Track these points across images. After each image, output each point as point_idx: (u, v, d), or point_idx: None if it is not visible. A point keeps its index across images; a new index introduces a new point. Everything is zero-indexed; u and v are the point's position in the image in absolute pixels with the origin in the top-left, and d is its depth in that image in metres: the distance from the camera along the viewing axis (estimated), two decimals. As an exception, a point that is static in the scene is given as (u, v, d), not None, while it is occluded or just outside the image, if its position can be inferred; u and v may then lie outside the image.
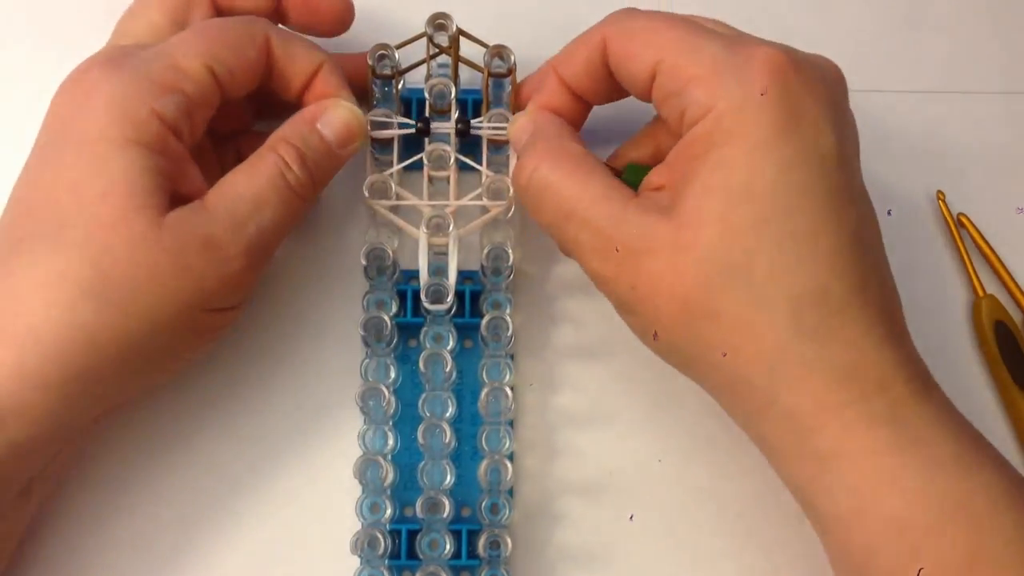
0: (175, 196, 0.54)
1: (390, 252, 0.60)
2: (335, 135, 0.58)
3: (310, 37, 0.62)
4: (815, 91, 0.53)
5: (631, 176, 0.57)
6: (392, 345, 0.60)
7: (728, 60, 0.53)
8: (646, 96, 0.57)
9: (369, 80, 0.62)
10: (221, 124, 0.61)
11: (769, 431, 0.53)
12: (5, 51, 0.70)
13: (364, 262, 0.60)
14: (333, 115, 0.59)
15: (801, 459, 0.52)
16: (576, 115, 0.61)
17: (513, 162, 0.61)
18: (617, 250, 0.53)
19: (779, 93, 0.52)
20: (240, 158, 0.58)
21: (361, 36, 0.65)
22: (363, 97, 0.62)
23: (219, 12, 0.60)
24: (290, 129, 0.58)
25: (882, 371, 0.51)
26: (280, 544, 0.61)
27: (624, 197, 0.54)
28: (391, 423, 0.60)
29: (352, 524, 0.59)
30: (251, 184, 0.55)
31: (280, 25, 0.62)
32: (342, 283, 0.64)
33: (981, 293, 0.65)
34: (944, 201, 0.67)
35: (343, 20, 0.62)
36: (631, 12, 0.58)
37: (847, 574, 0.53)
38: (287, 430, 0.63)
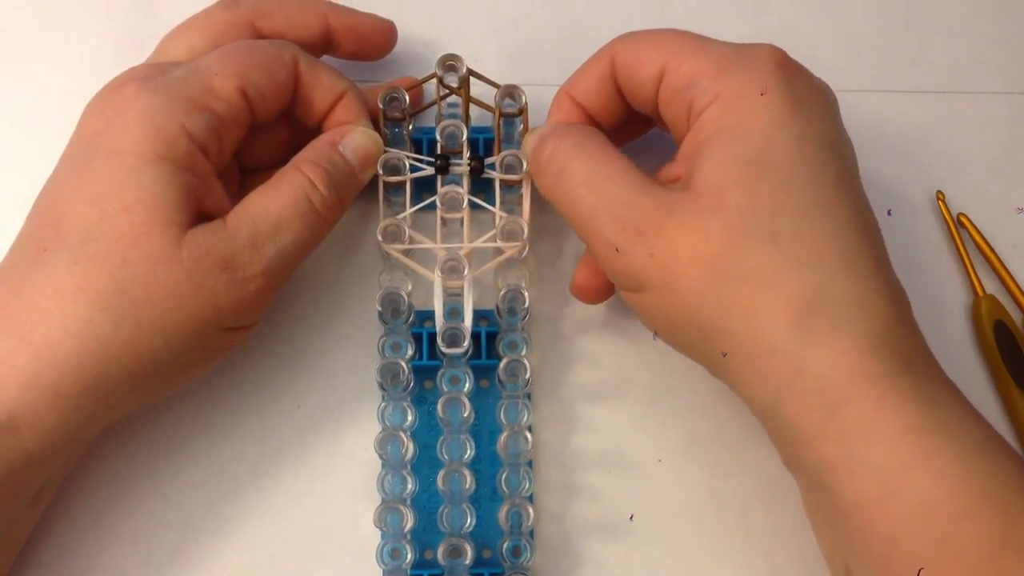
0: (199, 213, 0.55)
1: (405, 296, 0.60)
2: (356, 158, 0.59)
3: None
4: (816, 88, 0.56)
5: None
6: (408, 389, 0.60)
7: (733, 55, 0.56)
8: (652, 104, 0.58)
9: (380, 123, 0.62)
10: (253, 157, 0.62)
11: (793, 409, 0.51)
12: (6, 50, 0.70)
13: (379, 307, 0.60)
14: (353, 139, 0.60)
15: (825, 439, 0.50)
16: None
17: (527, 205, 0.62)
18: (638, 217, 0.54)
19: (785, 82, 0.54)
20: None
21: (371, 70, 0.66)
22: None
23: (262, 38, 0.61)
24: (314, 151, 0.59)
25: (908, 346, 0.51)
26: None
27: (644, 175, 0.55)
28: (409, 467, 0.60)
29: (372, 569, 0.59)
30: (274, 204, 0.56)
31: (327, 54, 0.63)
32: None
33: (981, 293, 0.66)
34: (944, 201, 0.68)
35: (388, 44, 0.65)
36: (637, 31, 0.60)
37: (865, 565, 0.50)
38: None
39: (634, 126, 0.63)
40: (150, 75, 0.56)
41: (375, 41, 0.64)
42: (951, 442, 0.49)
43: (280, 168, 0.58)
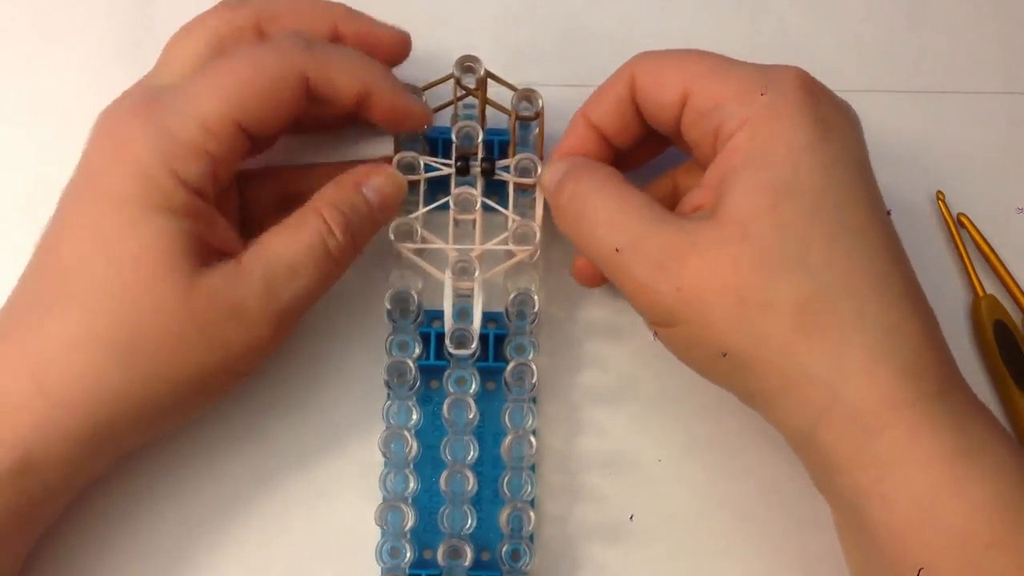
0: (207, 253, 0.55)
1: (415, 296, 0.60)
2: (378, 200, 0.59)
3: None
4: (842, 111, 0.55)
5: None
6: (415, 388, 0.60)
7: (760, 78, 0.55)
8: (673, 125, 0.58)
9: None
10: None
11: (828, 437, 0.51)
12: (6, 50, 0.70)
13: (388, 306, 0.60)
14: (378, 181, 0.59)
15: (860, 466, 0.50)
16: (602, 160, 0.61)
17: (539, 209, 0.62)
18: (661, 252, 0.53)
19: (812, 104, 0.54)
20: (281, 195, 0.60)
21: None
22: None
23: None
24: (337, 193, 0.58)
25: (941, 370, 0.51)
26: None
27: (664, 209, 0.55)
28: (412, 466, 0.60)
29: (371, 567, 0.59)
30: (290, 249, 0.55)
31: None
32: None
33: (981, 293, 0.66)
34: (944, 201, 0.68)
35: (400, 55, 0.62)
36: (657, 51, 0.59)
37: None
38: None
39: (651, 146, 0.63)
40: (147, 111, 0.54)
41: (387, 51, 0.61)
42: (985, 469, 0.49)
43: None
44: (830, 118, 0.54)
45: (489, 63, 0.63)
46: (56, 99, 0.69)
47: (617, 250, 0.54)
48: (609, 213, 0.56)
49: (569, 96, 0.68)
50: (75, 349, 0.52)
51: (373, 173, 0.59)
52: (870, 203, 0.53)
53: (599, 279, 0.62)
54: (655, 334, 0.53)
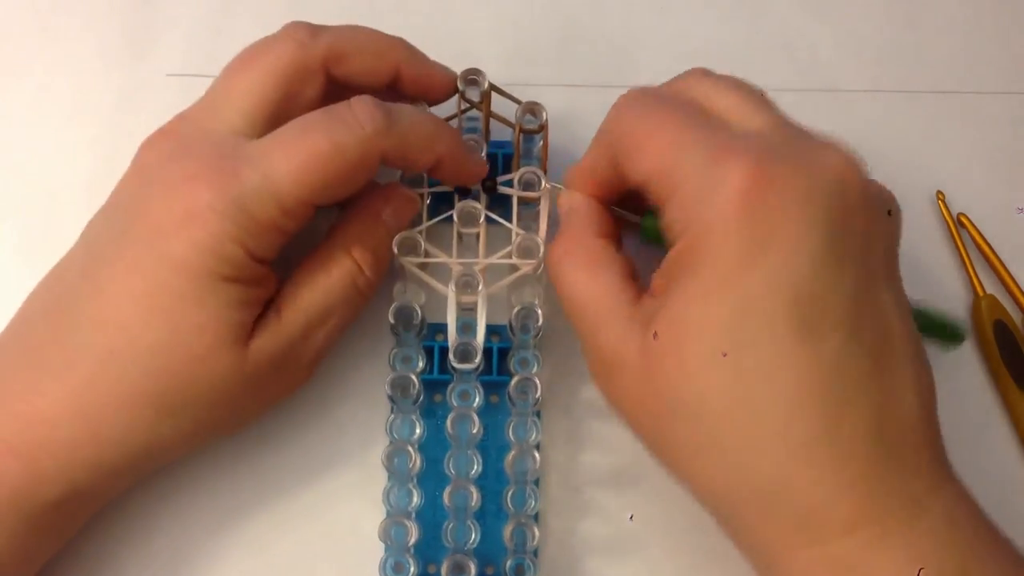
0: (261, 309, 0.56)
1: (418, 310, 0.60)
2: (398, 223, 0.60)
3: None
4: (793, 212, 0.48)
5: (648, 224, 0.57)
6: (418, 402, 0.60)
7: (705, 177, 0.49)
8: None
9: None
10: None
11: (740, 547, 0.53)
12: (6, 50, 0.70)
13: (392, 320, 0.60)
14: (395, 204, 0.60)
15: (795, 559, 0.49)
16: (611, 194, 0.59)
17: (543, 222, 0.62)
18: (604, 353, 0.54)
19: (747, 219, 0.48)
20: None
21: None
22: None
23: (332, 82, 0.58)
24: (362, 228, 0.59)
25: (847, 514, 0.48)
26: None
27: (621, 302, 0.54)
28: (415, 480, 0.60)
29: None
30: (323, 293, 0.57)
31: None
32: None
33: (981, 293, 0.66)
34: (944, 201, 0.68)
35: (448, 95, 0.63)
36: (631, 104, 0.56)
37: None
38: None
39: None
40: (227, 181, 0.53)
41: (437, 93, 0.62)
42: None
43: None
44: (769, 231, 0.48)
45: (489, 63, 0.63)
46: (56, 99, 0.69)
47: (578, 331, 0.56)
48: (578, 299, 0.56)
49: (569, 96, 0.68)
50: (131, 406, 0.54)
51: (389, 197, 0.60)
52: (794, 337, 0.48)
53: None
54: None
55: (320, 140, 0.53)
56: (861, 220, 0.50)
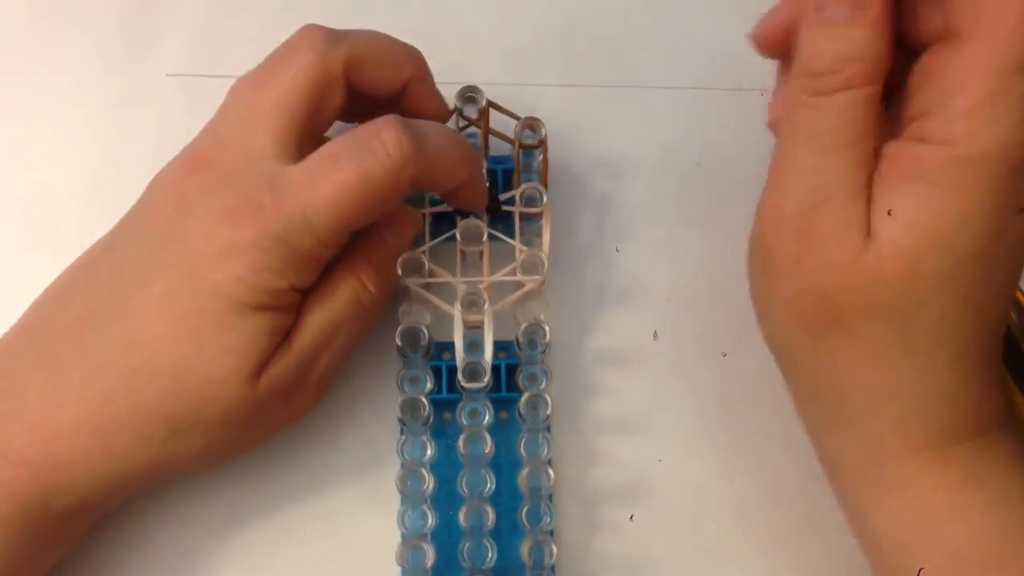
0: (286, 335, 0.56)
1: (425, 331, 0.60)
2: (400, 241, 0.60)
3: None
4: None
5: None
6: (428, 423, 0.60)
7: (1018, 101, 0.45)
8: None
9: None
10: None
11: (842, 447, 0.52)
12: (6, 50, 0.69)
13: (399, 342, 0.60)
14: (394, 220, 0.59)
15: (867, 482, 0.51)
16: None
17: (547, 237, 0.62)
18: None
19: None
20: None
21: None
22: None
23: (350, 90, 0.58)
24: (366, 250, 0.59)
25: (975, 426, 0.50)
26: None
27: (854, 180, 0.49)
28: (429, 501, 0.60)
29: None
30: (329, 315, 0.57)
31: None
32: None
33: (982, 292, 0.66)
34: (944, 201, 0.68)
35: (444, 117, 0.62)
36: None
37: None
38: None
39: None
40: (264, 215, 0.53)
41: (433, 112, 0.61)
42: (988, 497, 0.50)
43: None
44: None
45: (489, 63, 0.64)
46: (56, 99, 0.68)
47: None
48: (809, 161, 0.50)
49: (569, 96, 0.68)
50: (147, 424, 0.54)
51: (390, 217, 0.59)
52: (1004, 287, 0.50)
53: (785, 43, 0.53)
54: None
55: (351, 174, 0.53)
56: None
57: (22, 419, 0.54)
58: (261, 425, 0.57)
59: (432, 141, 0.55)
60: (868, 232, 0.48)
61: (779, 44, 0.53)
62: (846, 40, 0.48)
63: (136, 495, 0.58)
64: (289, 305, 0.55)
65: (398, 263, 0.60)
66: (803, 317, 0.50)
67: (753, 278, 0.53)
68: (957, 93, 0.46)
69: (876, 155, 0.49)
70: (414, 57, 0.60)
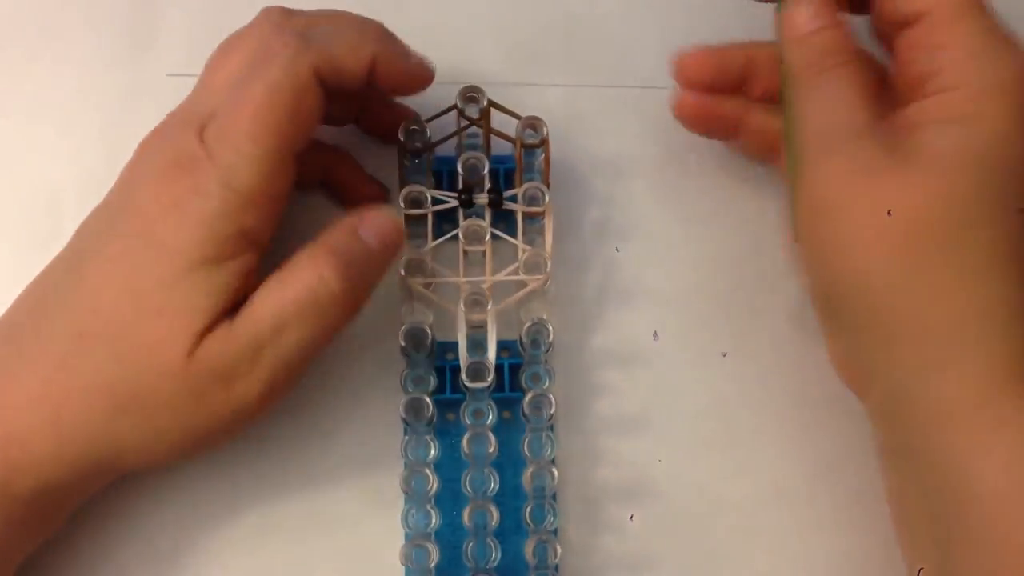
0: (231, 307, 0.54)
1: (428, 331, 0.60)
2: (379, 243, 0.56)
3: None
4: None
5: None
6: (432, 423, 0.60)
7: (1002, 36, 0.54)
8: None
9: (399, 155, 0.62)
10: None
11: (943, 391, 0.51)
12: (5, 49, 0.69)
13: (403, 342, 0.60)
14: (376, 222, 0.57)
15: (965, 428, 0.50)
16: None
17: (549, 236, 0.62)
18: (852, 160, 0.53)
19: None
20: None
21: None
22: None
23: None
24: (332, 237, 0.56)
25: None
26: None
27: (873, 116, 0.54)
28: (433, 501, 0.60)
29: None
30: (276, 303, 0.54)
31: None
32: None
33: (982, 292, 0.67)
34: (945, 200, 0.68)
35: (424, 86, 0.61)
36: None
37: (978, 555, 0.49)
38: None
39: None
40: (205, 163, 0.53)
41: (412, 84, 0.61)
42: None
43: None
44: None
45: (489, 63, 0.64)
46: (56, 99, 0.68)
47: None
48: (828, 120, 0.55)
49: (569, 96, 0.68)
50: (91, 393, 0.53)
51: (369, 215, 0.57)
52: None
53: (708, 122, 0.62)
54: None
55: (256, 89, 0.54)
56: None
57: None
58: (196, 411, 0.54)
59: (321, 29, 0.56)
60: (906, 166, 0.52)
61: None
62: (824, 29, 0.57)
63: (100, 485, 0.57)
64: (237, 258, 0.54)
65: (401, 263, 0.60)
66: (875, 256, 0.52)
67: (814, 245, 0.55)
68: (953, 45, 0.54)
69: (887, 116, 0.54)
70: (374, 34, 0.59)
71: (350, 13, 0.59)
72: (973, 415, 0.50)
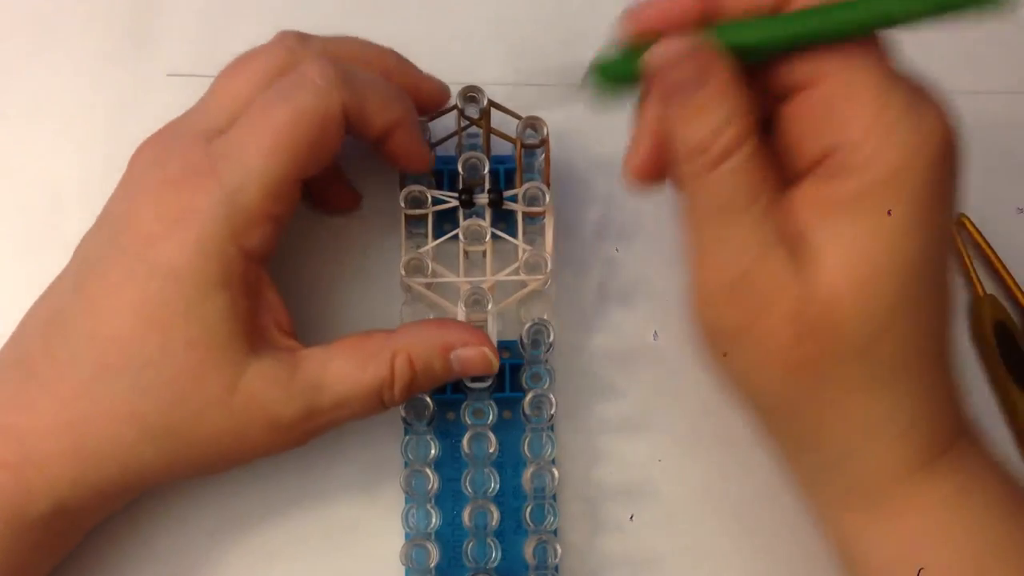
0: (256, 329, 0.55)
1: (430, 331, 0.60)
2: (460, 371, 0.57)
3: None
4: (955, 166, 0.49)
5: (606, 73, 0.53)
6: (432, 423, 0.60)
7: (903, 113, 0.48)
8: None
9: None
10: None
11: (827, 481, 0.53)
12: (6, 49, 0.69)
13: (403, 343, 0.60)
14: (470, 356, 0.57)
15: (852, 510, 0.52)
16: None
17: (549, 236, 0.62)
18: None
19: (939, 169, 0.48)
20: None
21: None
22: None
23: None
24: (420, 347, 0.56)
25: (952, 429, 0.51)
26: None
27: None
28: (433, 501, 0.60)
29: None
30: (347, 385, 0.54)
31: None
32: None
33: (981, 293, 0.66)
34: (944, 201, 0.68)
35: (441, 104, 0.62)
36: None
37: None
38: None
39: None
40: (209, 178, 0.53)
41: (427, 101, 0.61)
42: (974, 511, 0.51)
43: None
44: (954, 177, 0.49)
45: (489, 63, 0.63)
46: (56, 99, 0.68)
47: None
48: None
49: (570, 96, 0.68)
50: (117, 422, 0.53)
51: (470, 343, 0.57)
52: (947, 274, 0.51)
53: (656, 174, 0.53)
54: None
55: (281, 111, 0.53)
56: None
57: None
58: (235, 446, 0.55)
59: (361, 74, 0.55)
60: (804, 279, 0.48)
61: (653, 172, 0.53)
62: (706, 114, 0.48)
63: (118, 506, 0.57)
64: (249, 281, 0.54)
65: (401, 264, 0.60)
66: (772, 379, 0.50)
67: (710, 358, 0.53)
68: (840, 130, 0.47)
69: (779, 200, 0.49)
70: (387, 54, 0.60)
71: (363, 39, 0.60)
72: (851, 504, 0.52)
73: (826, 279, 0.48)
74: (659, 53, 0.49)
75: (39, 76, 0.69)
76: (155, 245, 0.52)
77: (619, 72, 0.52)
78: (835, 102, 0.48)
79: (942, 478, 0.50)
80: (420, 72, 0.61)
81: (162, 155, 0.55)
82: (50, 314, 0.55)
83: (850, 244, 0.48)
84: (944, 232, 0.49)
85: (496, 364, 0.57)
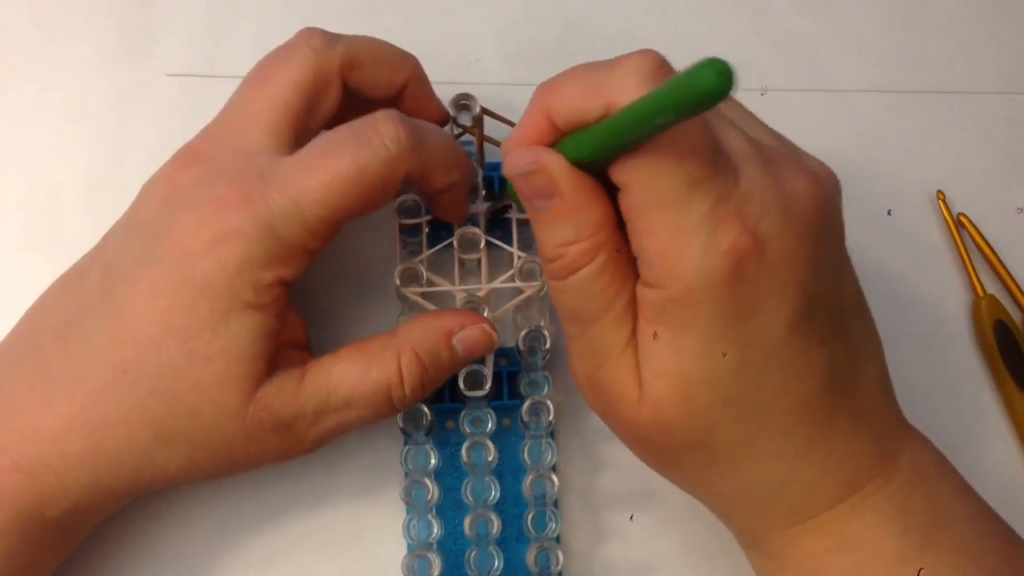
0: (279, 347, 0.55)
1: (426, 340, 0.60)
2: (465, 354, 0.57)
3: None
4: (778, 270, 0.47)
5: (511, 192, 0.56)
6: (431, 433, 0.60)
7: (696, 227, 0.46)
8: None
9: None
10: None
11: (727, 523, 0.56)
12: (6, 49, 0.69)
13: (400, 352, 0.60)
14: (472, 336, 0.57)
15: (751, 551, 0.55)
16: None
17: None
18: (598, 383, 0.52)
19: (737, 284, 0.46)
20: None
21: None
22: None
23: (347, 91, 0.58)
24: (423, 339, 0.56)
25: (834, 493, 0.51)
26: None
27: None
28: (434, 511, 0.59)
29: None
30: (354, 384, 0.55)
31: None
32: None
33: (981, 293, 0.66)
34: (944, 201, 0.68)
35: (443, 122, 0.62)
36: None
37: None
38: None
39: None
40: (255, 202, 0.52)
41: (432, 119, 0.60)
42: (856, 559, 0.52)
43: None
44: (756, 292, 0.47)
45: (489, 63, 0.64)
46: (56, 99, 0.68)
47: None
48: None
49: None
50: (133, 427, 0.53)
51: (468, 324, 0.57)
52: (789, 368, 0.49)
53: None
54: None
55: (346, 161, 0.53)
56: (836, 226, 0.51)
57: (12, 423, 0.53)
58: (246, 453, 0.55)
59: (430, 138, 0.55)
60: (640, 383, 0.49)
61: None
62: (555, 227, 0.49)
63: (124, 504, 0.57)
64: (278, 306, 0.54)
65: (396, 273, 0.60)
66: (638, 453, 0.54)
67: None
68: (645, 239, 0.47)
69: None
70: (410, 61, 0.60)
71: (386, 41, 0.60)
72: (749, 545, 0.56)
73: (649, 388, 0.49)
74: (507, 165, 0.51)
75: (39, 76, 0.69)
76: (194, 260, 0.53)
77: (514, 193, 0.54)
78: (641, 210, 0.47)
79: (832, 529, 0.51)
80: (431, 91, 0.61)
81: (209, 173, 0.55)
82: (68, 315, 0.55)
83: (661, 356, 0.49)
84: (769, 327, 0.48)
85: (496, 339, 0.58)
